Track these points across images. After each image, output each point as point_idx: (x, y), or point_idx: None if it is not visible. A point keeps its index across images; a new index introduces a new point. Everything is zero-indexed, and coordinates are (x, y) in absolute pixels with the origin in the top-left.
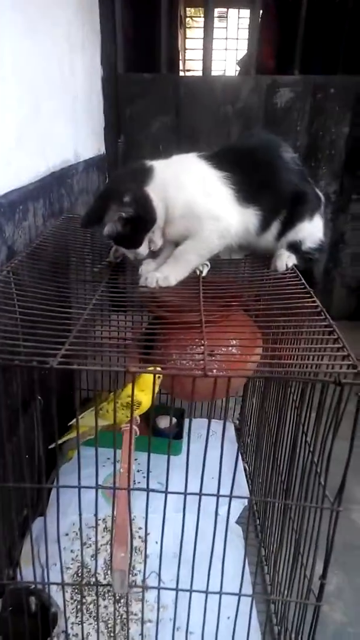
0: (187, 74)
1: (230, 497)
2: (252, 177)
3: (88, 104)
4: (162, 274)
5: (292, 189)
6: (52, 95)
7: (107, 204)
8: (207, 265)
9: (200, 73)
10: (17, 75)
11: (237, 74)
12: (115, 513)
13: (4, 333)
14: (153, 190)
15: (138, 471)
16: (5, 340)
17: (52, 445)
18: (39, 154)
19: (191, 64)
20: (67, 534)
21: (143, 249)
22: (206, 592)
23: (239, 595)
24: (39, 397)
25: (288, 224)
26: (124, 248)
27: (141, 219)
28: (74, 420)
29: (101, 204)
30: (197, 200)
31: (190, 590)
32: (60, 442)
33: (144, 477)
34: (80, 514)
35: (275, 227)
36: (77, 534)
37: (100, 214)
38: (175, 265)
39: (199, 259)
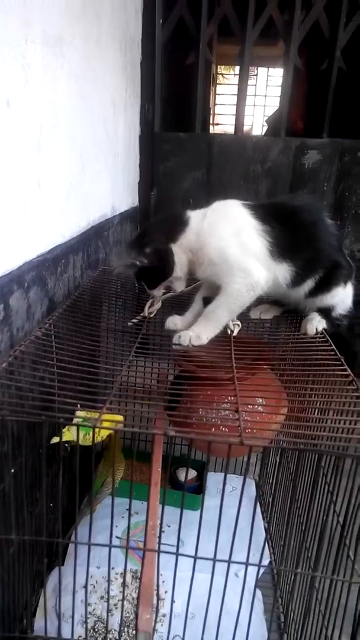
0: (216, 127)
1: (259, 566)
2: (292, 234)
3: (126, 161)
4: (194, 333)
5: (330, 253)
6: (97, 155)
7: (130, 247)
8: (238, 325)
9: (228, 126)
10: (70, 138)
11: (264, 131)
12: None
13: (44, 387)
14: (181, 245)
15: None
16: (45, 395)
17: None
18: (82, 211)
19: (219, 118)
20: (84, 587)
21: (156, 292)
22: None
23: None
24: (66, 444)
25: (323, 287)
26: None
27: (156, 270)
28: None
29: (128, 244)
30: (231, 251)
31: None
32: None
33: (163, 531)
34: (109, 569)
35: (308, 286)
36: (94, 586)
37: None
38: (207, 323)
39: (230, 315)
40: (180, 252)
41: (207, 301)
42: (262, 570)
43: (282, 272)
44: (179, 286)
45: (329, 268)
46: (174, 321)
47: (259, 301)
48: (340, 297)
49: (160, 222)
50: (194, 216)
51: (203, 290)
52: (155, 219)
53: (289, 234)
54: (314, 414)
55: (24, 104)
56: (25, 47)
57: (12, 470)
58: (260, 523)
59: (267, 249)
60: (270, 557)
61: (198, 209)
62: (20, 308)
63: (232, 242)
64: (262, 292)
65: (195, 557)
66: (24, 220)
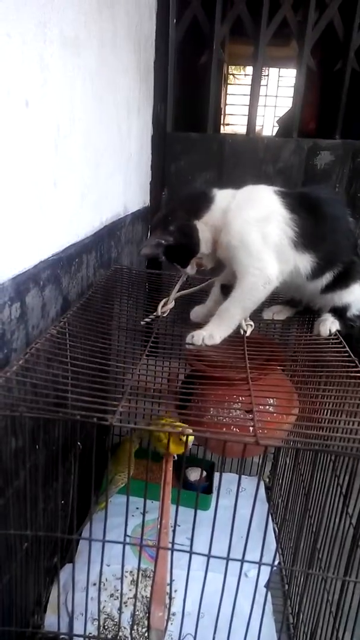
0: (226, 127)
1: (272, 566)
2: (317, 225)
3: (138, 161)
4: (207, 333)
5: (349, 249)
6: (110, 156)
7: (154, 228)
8: (251, 325)
9: (238, 126)
10: (85, 139)
11: (274, 131)
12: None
13: (59, 385)
14: (206, 222)
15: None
16: (60, 393)
17: None
18: (95, 210)
19: (230, 118)
20: (94, 584)
21: (189, 270)
22: None
23: None
24: (79, 443)
25: (341, 281)
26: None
27: (183, 247)
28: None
29: (153, 225)
30: (252, 237)
31: None
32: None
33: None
34: (122, 566)
35: (326, 279)
36: (104, 584)
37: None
38: (220, 322)
39: (244, 313)
40: (205, 229)
41: (224, 289)
42: (269, 569)
43: (304, 262)
44: (209, 263)
45: (347, 264)
46: (196, 313)
47: (272, 300)
48: (355, 296)
49: (183, 201)
50: (221, 194)
51: (221, 277)
52: (180, 197)
53: (314, 225)
54: (326, 415)
55: (42, 104)
56: (44, 48)
57: (28, 466)
58: (270, 524)
59: (291, 239)
60: (280, 558)
61: (225, 189)
62: (36, 306)
63: (255, 229)
64: (278, 282)
65: (208, 556)
66: (40, 219)
